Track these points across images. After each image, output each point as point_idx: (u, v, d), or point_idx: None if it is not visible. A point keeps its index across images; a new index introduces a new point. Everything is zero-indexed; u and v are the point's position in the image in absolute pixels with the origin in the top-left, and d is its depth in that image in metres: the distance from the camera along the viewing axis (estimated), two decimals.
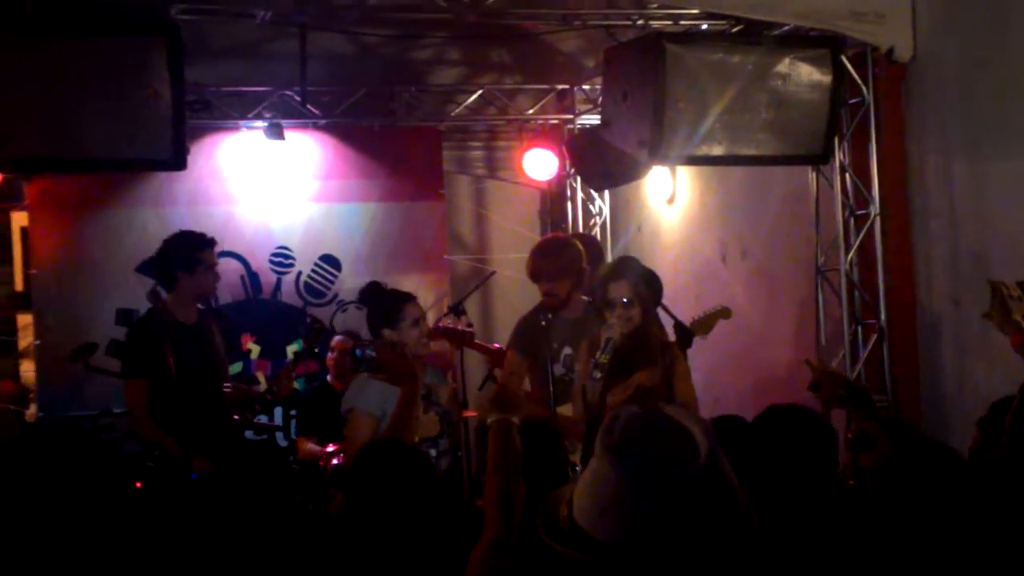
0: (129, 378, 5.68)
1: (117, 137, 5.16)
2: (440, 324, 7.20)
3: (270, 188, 8.63)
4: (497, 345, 7.63)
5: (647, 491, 1.67)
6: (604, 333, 4.85)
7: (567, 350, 5.63)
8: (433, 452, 4.92)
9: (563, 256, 5.68)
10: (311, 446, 7.04)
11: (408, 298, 5.12)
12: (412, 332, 4.99)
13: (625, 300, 4.94)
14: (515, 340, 5.78)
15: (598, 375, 4.73)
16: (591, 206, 9.28)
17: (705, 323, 6.16)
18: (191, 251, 5.71)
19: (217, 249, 8.29)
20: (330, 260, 8.75)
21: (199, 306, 5.92)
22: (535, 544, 1.84)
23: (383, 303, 5.14)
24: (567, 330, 5.54)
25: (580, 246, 5.88)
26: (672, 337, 5.71)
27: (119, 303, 8.27)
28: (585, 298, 5.80)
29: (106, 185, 8.26)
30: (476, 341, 7.48)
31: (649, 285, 5.14)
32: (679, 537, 1.65)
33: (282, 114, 8.26)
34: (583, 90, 8.76)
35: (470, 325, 7.46)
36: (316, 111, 8.31)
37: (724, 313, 6.22)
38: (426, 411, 5.02)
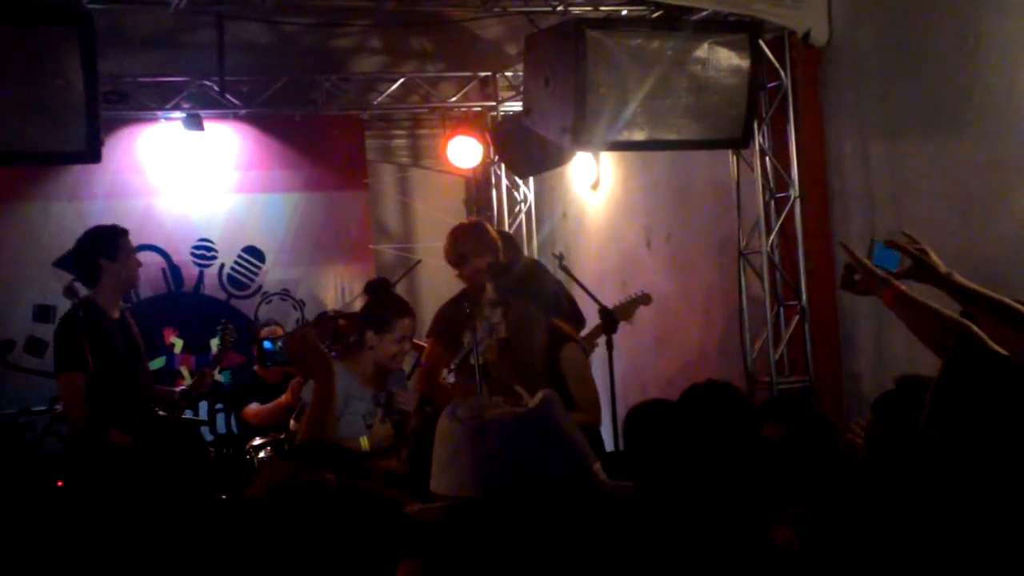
0: (63, 371, 5.66)
1: (29, 130, 5.05)
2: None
3: (190, 180, 8.50)
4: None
5: (479, 439, 1.80)
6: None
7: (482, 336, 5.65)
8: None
9: (481, 232, 5.80)
10: (255, 406, 7.11)
11: (406, 313, 5.07)
12: (392, 347, 4.96)
13: (491, 301, 5.03)
14: (435, 330, 5.79)
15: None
16: (516, 193, 9.29)
17: (626, 308, 6.25)
18: (111, 239, 5.78)
19: (137, 242, 8.27)
20: (253, 252, 8.66)
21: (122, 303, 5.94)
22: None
23: (380, 306, 5.11)
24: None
25: (491, 228, 6.01)
26: (597, 321, 5.76)
27: (36, 299, 8.11)
28: None
29: (21, 178, 8.08)
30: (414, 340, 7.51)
31: (516, 283, 5.16)
32: (512, 479, 1.77)
33: (201, 104, 8.14)
34: (506, 77, 8.75)
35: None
36: (236, 101, 8.20)
37: (644, 300, 6.32)
38: (383, 420, 4.94)
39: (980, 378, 2.54)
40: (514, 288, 5.11)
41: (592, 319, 6.02)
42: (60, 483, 6.60)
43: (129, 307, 6.55)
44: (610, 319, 5.62)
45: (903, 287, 3.21)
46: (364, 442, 4.81)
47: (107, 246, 5.76)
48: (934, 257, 3.32)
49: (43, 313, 8.07)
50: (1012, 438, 2.44)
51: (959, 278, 3.27)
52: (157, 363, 7.92)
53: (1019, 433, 2.44)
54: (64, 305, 7.76)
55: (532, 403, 1.87)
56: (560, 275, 6.60)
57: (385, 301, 5.16)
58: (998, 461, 2.44)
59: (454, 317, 5.70)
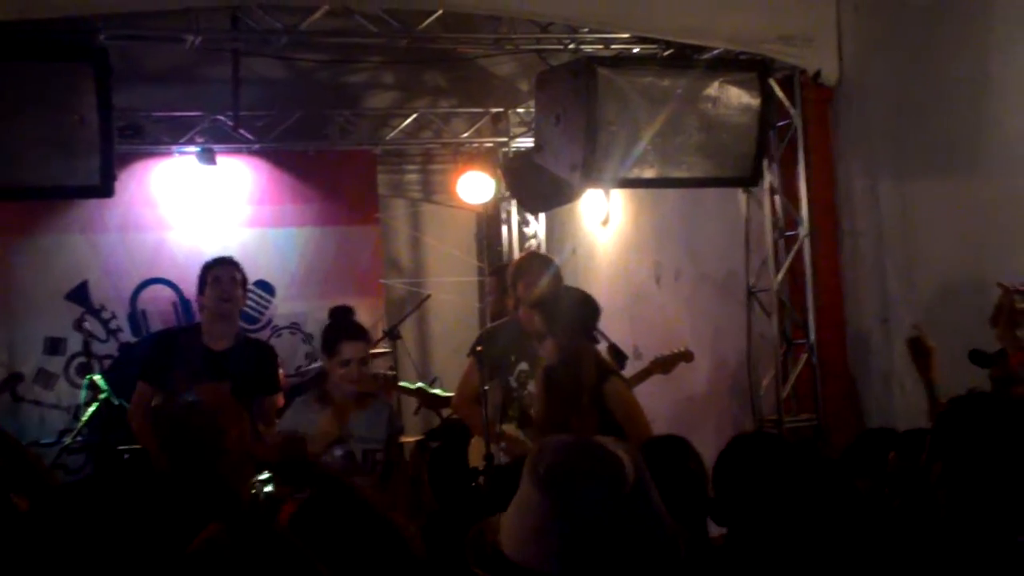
0: (140, 380, 5.65)
1: (43, 164, 5.08)
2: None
3: (203, 214, 8.53)
4: (420, 385, 7.78)
5: (572, 517, 1.66)
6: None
7: (523, 365, 5.62)
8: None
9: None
10: None
11: (350, 336, 5.06)
12: (337, 371, 4.99)
13: (540, 332, 5.05)
14: (472, 347, 5.78)
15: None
16: (526, 229, 9.31)
17: (667, 362, 6.27)
18: (202, 271, 5.72)
19: (148, 276, 8.32)
20: (264, 286, 8.67)
21: (237, 334, 5.79)
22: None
23: (329, 330, 5.15)
24: (526, 343, 5.53)
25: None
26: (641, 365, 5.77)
27: (48, 331, 8.14)
28: None
29: (35, 211, 8.12)
30: (399, 384, 7.54)
31: (568, 315, 5.16)
32: (603, 563, 1.65)
33: (214, 139, 8.20)
34: (517, 113, 8.80)
35: (392, 370, 7.50)
36: (249, 136, 8.26)
37: (686, 356, 6.33)
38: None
39: (978, 416, 2.56)
40: (563, 320, 5.11)
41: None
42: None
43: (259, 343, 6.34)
44: (619, 357, 5.61)
45: None
46: None
47: (199, 281, 5.72)
48: None
49: (54, 345, 8.10)
50: (1010, 472, 2.46)
51: None
52: None
53: (1016, 467, 2.46)
54: (75, 338, 7.87)
55: (628, 478, 1.71)
56: None
57: (335, 325, 5.20)
58: (995, 492, 2.46)
59: (493, 337, 5.71)
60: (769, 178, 6.42)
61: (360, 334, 5.13)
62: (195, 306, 5.83)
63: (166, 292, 8.40)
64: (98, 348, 8.05)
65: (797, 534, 2.79)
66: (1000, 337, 3.47)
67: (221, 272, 5.68)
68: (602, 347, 5.81)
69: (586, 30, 6.28)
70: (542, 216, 9.19)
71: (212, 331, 5.67)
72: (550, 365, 5.03)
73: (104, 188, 5.30)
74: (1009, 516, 2.47)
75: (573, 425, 4.82)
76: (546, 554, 1.66)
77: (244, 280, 5.75)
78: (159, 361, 5.61)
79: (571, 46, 6.38)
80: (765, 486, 2.95)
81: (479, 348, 5.39)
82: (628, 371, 5.71)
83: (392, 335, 7.96)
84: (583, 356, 5.05)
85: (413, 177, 9.71)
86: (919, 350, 4.44)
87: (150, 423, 5.43)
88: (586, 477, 1.70)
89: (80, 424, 7.39)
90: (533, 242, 9.26)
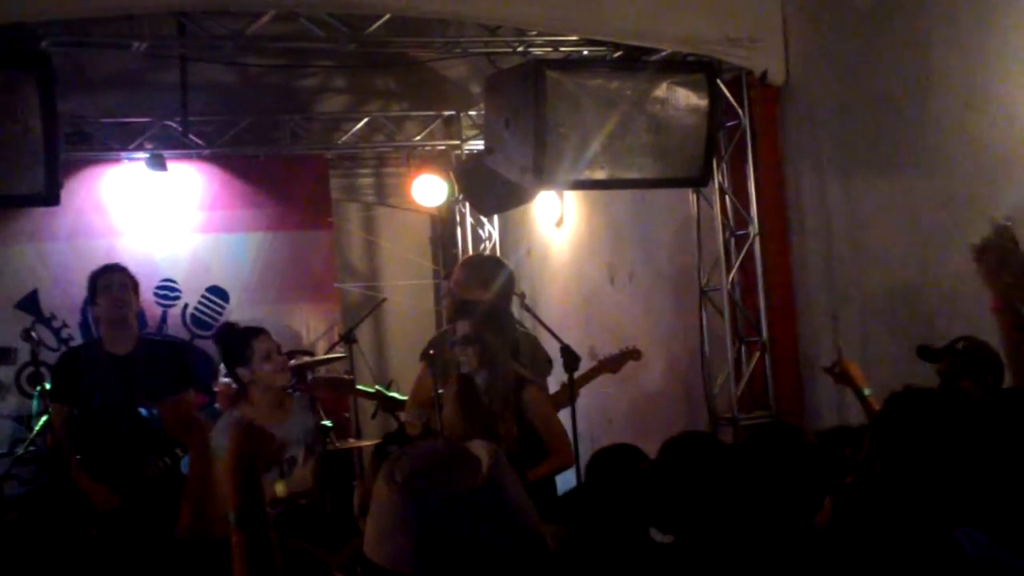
0: (52, 402, 5.77)
1: None
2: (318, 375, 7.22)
3: (153, 220, 8.46)
4: (377, 388, 7.75)
5: (423, 514, 1.70)
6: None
7: None
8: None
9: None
10: None
11: (256, 333, 5.08)
12: (264, 366, 4.98)
13: (464, 338, 5.05)
14: (424, 352, 5.79)
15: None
16: (480, 231, 9.32)
17: (615, 361, 6.29)
18: (89, 283, 5.80)
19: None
20: (217, 292, 8.62)
21: (139, 337, 5.90)
22: None
23: (232, 342, 5.13)
24: None
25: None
26: (559, 360, 5.78)
27: None
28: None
29: None
30: (357, 387, 7.51)
31: (494, 323, 5.18)
32: (455, 559, 1.68)
33: (164, 145, 8.13)
34: (470, 116, 8.80)
35: (348, 373, 7.48)
36: (199, 141, 8.20)
37: (634, 355, 6.36)
38: (305, 462, 4.95)
39: (918, 413, 2.60)
40: (485, 325, 5.13)
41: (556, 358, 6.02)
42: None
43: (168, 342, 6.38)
44: (571, 358, 5.62)
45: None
46: (280, 488, 4.75)
47: (89, 291, 5.81)
48: None
49: (3, 355, 8.00)
50: (950, 468, 2.49)
51: None
52: None
53: (957, 463, 2.50)
54: (25, 347, 7.77)
55: (483, 466, 1.74)
56: (523, 314, 6.63)
57: (234, 336, 5.20)
58: (936, 489, 2.50)
59: (443, 341, 5.72)
60: (719, 178, 6.46)
61: (261, 329, 5.18)
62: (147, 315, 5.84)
63: None
64: (49, 357, 7.94)
65: (733, 535, 2.82)
66: (984, 276, 3.50)
67: (111, 279, 5.77)
68: (555, 348, 5.84)
69: (534, 33, 6.29)
70: (496, 218, 9.19)
71: (111, 338, 5.78)
72: (468, 373, 5.08)
73: (49, 196, 5.25)
74: (947, 511, 2.50)
75: (500, 431, 4.86)
76: (400, 553, 1.70)
77: (135, 284, 5.85)
78: (66, 378, 5.76)
79: (520, 49, 6.39)
80: (696, 490, 2.99)
81: (431, 352, 5.39)
82: (579, 372, 5.73)
83: (348, 339, 7.93)
84: (508, 365, 5.12)
85: (366, 181, 9.69)
86: (839, 375, 4.75)
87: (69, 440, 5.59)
88: (437, 476, 1.74)
89: (32, 434, 7.29)
90: (487, 244, 9.26)
